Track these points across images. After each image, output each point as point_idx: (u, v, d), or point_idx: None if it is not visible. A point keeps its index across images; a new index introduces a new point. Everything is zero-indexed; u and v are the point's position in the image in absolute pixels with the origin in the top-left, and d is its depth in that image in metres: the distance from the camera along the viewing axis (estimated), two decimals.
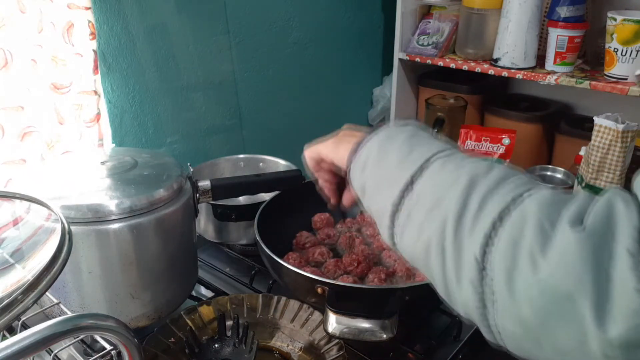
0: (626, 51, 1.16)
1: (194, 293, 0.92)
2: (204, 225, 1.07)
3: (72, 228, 0.54)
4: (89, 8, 0.93)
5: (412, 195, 0.49)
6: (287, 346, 0.81)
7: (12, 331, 0.64)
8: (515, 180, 0.45)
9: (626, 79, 1.18)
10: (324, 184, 0.74)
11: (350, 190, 0.64)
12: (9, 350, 0.39)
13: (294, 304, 0.84)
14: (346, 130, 0.66)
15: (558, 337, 0.38)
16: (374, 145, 0.56)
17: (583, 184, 1.13)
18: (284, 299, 0.85)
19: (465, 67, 1.39)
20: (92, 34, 0.95)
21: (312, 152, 0.69)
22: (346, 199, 0.74)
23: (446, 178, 0.48)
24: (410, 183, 0.49)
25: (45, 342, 0.41)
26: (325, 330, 0.71)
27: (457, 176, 0.46)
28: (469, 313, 0.44)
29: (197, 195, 0.86)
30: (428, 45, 1.47)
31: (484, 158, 0.50)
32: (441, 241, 0.45)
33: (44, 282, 0.46)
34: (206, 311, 0.83)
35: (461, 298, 0.44)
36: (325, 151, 0.66)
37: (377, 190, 0.54)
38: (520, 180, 0.45)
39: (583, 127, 1.36)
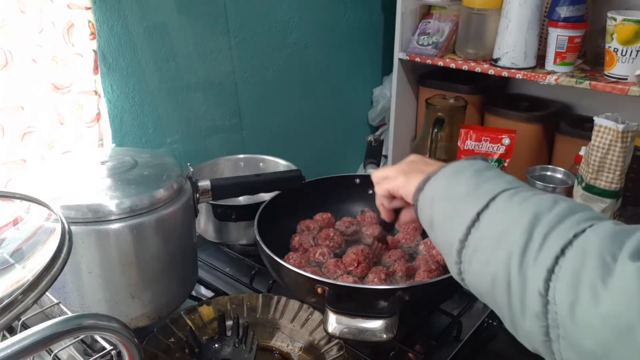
0: (626, 51, 1.16)
1: (194, 293, 0.92)
2: (204, 225, 1.07)
3: (72, 228, 0.54)
4: (89, 8, 0.93)
5: (478, 231, 0.51)
6: (287, 346, 0.81)
7: (12, 331, 0.64)
8: (579, 216, 0.46)
9: (626, 79, 1.18)
10: (381, 207, 0.76)
11: (410, 212, 0.67)
12: (9, 350, 0.39)
13: (294, 304, 0.84)
14: (414, 160, 0.68)
15: None
16: (442, 180, 0.58)
17: (583, 184, 1.13)
18: (284, 299, 0.85)
19: (465, 67, 1.39)
20: (92, 34, 0.95)
21: (383, 191, 0.71)
22: (404, 218, 0.76)
23: (511, 214, 0.49)
24: (477, 219, 0.51)
25: (45, 342, 0.41)
26: (325, 330, 0.71)
27: (522, 212, 0.48)
28: (535, 346, 0.46)
29: (197, 195, 0.86)
30: (428, 45, 1.47)
31: (550, 194, 0.51)
32: (507, 275, 0.46)
33: (44, 282, 0.46)
34: (206, 311, 0.83)
35: (526, 330, 0.45)
36: (395, 188, 0.68)
37: (444, 224, 0.56)
38: (584, 215, 0.46)
39: (583, 127, 1.36)
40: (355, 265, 0.89)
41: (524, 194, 0.51)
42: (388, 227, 0.83)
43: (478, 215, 0.51)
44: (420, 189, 0.60)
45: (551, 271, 0.43)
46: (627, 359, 0.38)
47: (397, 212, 0.77)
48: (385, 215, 0.77)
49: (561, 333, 0.42)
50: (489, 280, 0.48)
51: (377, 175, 0.73)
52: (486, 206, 0.51)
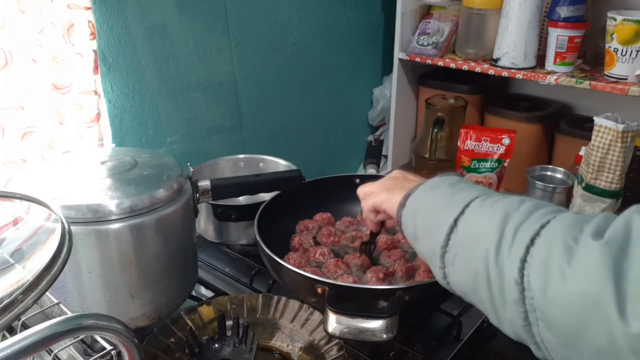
0: (626, 51, 1.16)
1: (194, 293, 0.92)
2: (204, 225, 1.07)
3: (72, 228, 0.54)
4: (89, 8, 0.93)
5: (457, 235, 0.56)
6: (287, 346, 0.81)
7: (12, 331, 0.64)
8: (543, 211, 0.51)
9: (626, 79, 1.18)
10: (368, 220, 0.83)
11: (393, 221, 0.72)
12: (9, 350, 0.39)
13: (294, 304, 0.84)
14: (396, 176, 0.75)
15: (591, 340, 0.42)
16: (420, 195, 0.64)
17: (583, 184, 1.13)
18: (284, 299, 0.85)
19: (465, 67, 1.39)
20: (92, 34, 0.95)
21: (370, 206, 0.77)
22: (389, 225, 0.86)
23: (484, 216, 0.54)
24: (454, 225, 0.56)
25: (45, 342, 0.41)
26: (325, 330, 0.71)
27: (493, 213, 0.53)
28: (517, 333, 0.50)
29: (197, 195, 0.86)
30: (428, 45, 1.47)
31: (516, 196, 0.56)
32: (485, 270, 0.51)
33: (44, 282, 0.46)
34: (206, 311, 0.83)
35: (507, 318, 0.50)
36: (379, 203, 0.74)
37: (426, 235, 0.61)
38: (547, 209, 0.51)
39: (583, 127, 1.36)
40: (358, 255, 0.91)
41: (493, 198, 0.57)
42: (375, 235, 0.92)
43: (455, 221, 0.56)
44: (402, 205, 0.66)
45: (524, 260, 0.47)
46: (594, 330, 0.41)
47: (382, 222, 0.84)
48: (372, 227, 0.85)
49: (539, 315, 0.46)
50: (471, 278, 0.53)
51: (363, 191, 0.80)
52: (462, 212, 0.56)
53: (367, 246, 0.94)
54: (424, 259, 0.62)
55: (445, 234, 0.56)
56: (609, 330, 0.40)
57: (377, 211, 0.77)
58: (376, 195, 0.75)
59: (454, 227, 0.56)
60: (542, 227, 0.48)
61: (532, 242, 0.48)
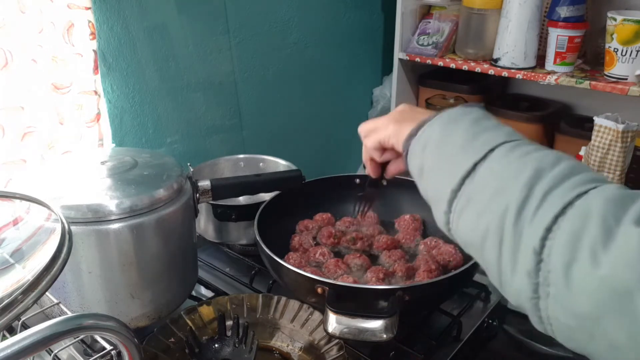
0: (626, 51, 1.16)
1: (194, 293, 0.92)
2: (204, 225, 1.07)
3: (72, 228, 0.54)
4: (89, 8, 0.93)
5: (473, 182, 0.49)
6: (287, 346, 0.81)
7: (12, 331, 0.64)
8: (583, 176, 0.44)
9: (626, 79, 1.18)
10: (369, 161, 0.73)
11: (399, 163, 0.65)
12: (9, 350, 0.39)
13: (294, 304, 0.84)
14: (404, 109, 0.65)
15: (612, 332, 0.38)
16: (437, 127, 0.56)
17: None
18: (284, 299, 0.85)
19: (465, 67, 1.39)
20: (92, 34, 0.95)
21: (374, 143, 0.67)
22: (392, 170, 0.74)
23: (510, 167, 0.47)
24: (472, 170, 0.49)
25: (45, 342, 0.41)
26: (325, 330, 0.71)
27: (522, 166, 0.46)
28: (520, 302, 0.45)
29: (197, 195, 0.86)
30: (428, 45, 1.47)
31: (552, 150, 0.49)
32: (500, 230, 0.45)
33: (44, 282, 0.46)
34: (206, 311, 0.83)
35: (514, 287, 0.44)
36: (386, 138, 0.65)
37: (436, 173, 0.54)
38: (587, 176, 0.45)
39: (583, 127, 1.36)
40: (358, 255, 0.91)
41: (525, 147, 0.49)
42: (374, 184, 0.80)
43: (474, 165, 0.49)
44: (412, 134, 0.58)
45: (549, 230, 0.42)
46: (617, 322, 0.38)
47: (382, 169, 0.74)
48: (372, 171, 0.74)
49: (552, 291, 0.41)
50: (480, 234, 0.47)
51: (366, 127, 0.69)
52: (484, 157, 0.49)
53: (364, 206, 0.88)
54: (426, 198, 0.56)
55: (459, 177, 0.49)
56: (636, 326, 0.37)
57: (382, 148, 0.68)
58: (382, 130, 0.65)
59: (472, 172, 0.49)
60: (578, 195, 0.42)
61: (563, 210, 0.42)
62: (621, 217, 0.39)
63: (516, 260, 0.44)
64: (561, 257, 0.40)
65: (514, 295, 0.45)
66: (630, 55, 1.16)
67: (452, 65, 1.41)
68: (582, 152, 1.18)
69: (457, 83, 1.52)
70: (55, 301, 0.59)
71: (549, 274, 0.41)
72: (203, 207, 1.02)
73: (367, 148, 0.71)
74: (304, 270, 0.80)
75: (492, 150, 0.50)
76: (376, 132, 0.67)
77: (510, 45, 1.30)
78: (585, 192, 0.42)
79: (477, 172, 0.49)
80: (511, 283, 0.45)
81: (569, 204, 0.42)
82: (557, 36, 1.25)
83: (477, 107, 0.58)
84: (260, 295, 0.86)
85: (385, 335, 0.69)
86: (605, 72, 1.21)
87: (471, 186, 0.49)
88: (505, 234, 0.44)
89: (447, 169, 0.52)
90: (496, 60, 1.34)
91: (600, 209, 0.40)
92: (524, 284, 0.43)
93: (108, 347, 0.51)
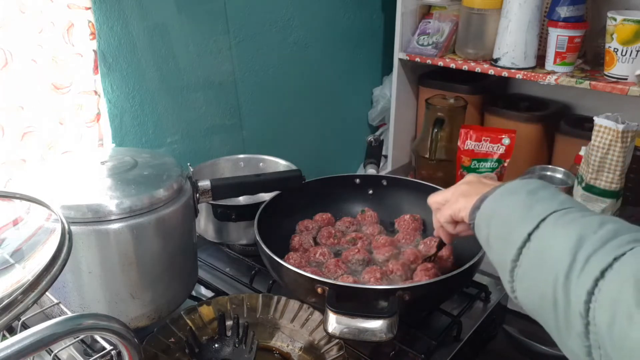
0: (626, 51, 1.16)
1: (194, 293, 0.92)
2: (204, 225, 1.07)
3: (72, 228, 0.54)
4: (89, 8, 0.93)
5: (529, 251, 0.52)
6: (287, 346, 0.81)
7: (12, 331, 0.64)
8: (621, 239, 0.46)
9: (626, 79, 1.18)
10: (442, 231, 0.77)
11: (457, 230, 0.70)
12: (9, 350, 0.39)
13: (294, 304, 0.84)
14: (472, 180, 0.70)
15: None
16: (498, 200, 0.61)
17: (583, 184, 1.13)
18: (284, 299, 0.85)
19: (465, 67, 1.39)
20: (92, 34, 0.95)
21: (447, 217, 0.72)
22: (464, 234, 0.77)
23: (558, 235, 0.50)
24: (528, 240, 0.53)
25: (45, 342, 0.41)
26: (325, 330, 0.71)
27: (568, 233, 0.49)
28: None
29: (197, 195, 0.86)
30: (428, 45, 1.47)
31: (600, 215, 0.52)
32: (553, 295, 0.48)
33: (44, 282, 0.46)
34: (206, 311, 0.83)
35: (571, 349, 0.47)
36: (457, 211, 0.69)
37: (498, 244, 0.58)
38: (628, 237, 0.47)
39: (583, 127, 1.36)
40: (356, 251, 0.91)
41: (573, 215, 0.52)
42: (442, 247, 0.86)
43: (529, 235, 0.52)
44: (476, 207, 0.62)
45: (591, 293, 0.44)
46: None
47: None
48: (446, 239, 0.79)
49: (602, 353, 0.43)
50: (538, 299, 0.50)
51: (436, 200, 0.74)
52: (537, 227, 0.52)
53: (432, 258, 0.90)
54: (495, 267, 0.59)
55: (517, 247, 0.53)
56: None
57: (455, 222, 0.72)
58: (453, 203, 0.69)
59: (527, 242, 0.52)
60: (615, 259, 0.44)
61: (602, 274, 0.44)
62: None
63: (569, 324, 0.46)
64: (604, 319, 0.42)
65: (573, 357, 0.47)
66: (630, 55, 1.16)
67: (452, 65, 1.41)
68: (582, 152, 1.18)
69: (457, 83, 1.52)
70: (55, 301, 0.59)
71: (597, 336, 0.43)
72: (203, 207, 1.02)
73: (439, 221, 0.75)
74: (304, 270, 0.80)
75: (544, 219, 0.53)
76: (447, 207, 0.71)
77: (510, 45, 1.30)
78: (623, 254, 0.44)
79: (531, 242, 0.52)
80: (568, 345, 0.47)
81: (608, 267, 0.44)
82: (557, 36, 1.25)
83: (535, 178, 0.62)
84: (260, 295, 0.86)
85: (385, 335, 0.69)
86: (605, 72, 1.21)
87: (528, 255, 0.52)
88: (558, 299, 0.47)
89: (507, 240, 0.55)
90: (496, 60, 1.34)
91: (634, 270, 0.42)
92: (578, 346, 0.45)
93: (108, 347, 0.51)
